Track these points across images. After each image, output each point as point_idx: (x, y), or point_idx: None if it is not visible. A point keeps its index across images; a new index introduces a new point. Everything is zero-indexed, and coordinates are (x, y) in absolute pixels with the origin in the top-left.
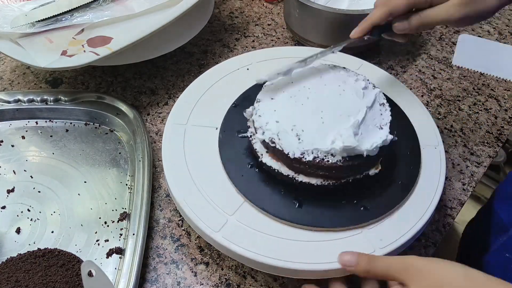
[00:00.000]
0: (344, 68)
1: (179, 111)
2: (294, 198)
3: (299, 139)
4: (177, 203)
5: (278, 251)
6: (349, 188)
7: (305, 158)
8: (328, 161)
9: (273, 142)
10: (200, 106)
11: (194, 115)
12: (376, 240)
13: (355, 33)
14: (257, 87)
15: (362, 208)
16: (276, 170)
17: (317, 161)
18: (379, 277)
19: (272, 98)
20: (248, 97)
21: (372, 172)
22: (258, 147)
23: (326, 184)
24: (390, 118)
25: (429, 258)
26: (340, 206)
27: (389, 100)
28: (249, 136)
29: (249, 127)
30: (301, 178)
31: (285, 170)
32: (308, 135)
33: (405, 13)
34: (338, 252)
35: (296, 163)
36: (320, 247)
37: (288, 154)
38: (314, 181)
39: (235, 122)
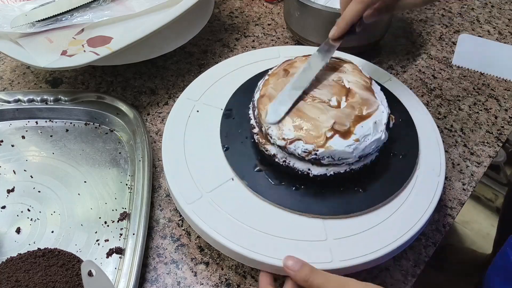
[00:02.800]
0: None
1: (179, 111)
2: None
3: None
4: (176, 202)
5: (278, 251)
6: (347, 178)
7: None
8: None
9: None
10: (201, 105)
11: (195, 115)
12: (374, 240)
13: (334, 33)
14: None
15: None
16: (275, 159)
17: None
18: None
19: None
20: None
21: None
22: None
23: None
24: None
25: (367, 283)
26: (340, 193)
27: (393, 98)
28: (254, 134)
29: (253, 127)
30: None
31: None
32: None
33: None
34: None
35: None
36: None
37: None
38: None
39: (239, 121)
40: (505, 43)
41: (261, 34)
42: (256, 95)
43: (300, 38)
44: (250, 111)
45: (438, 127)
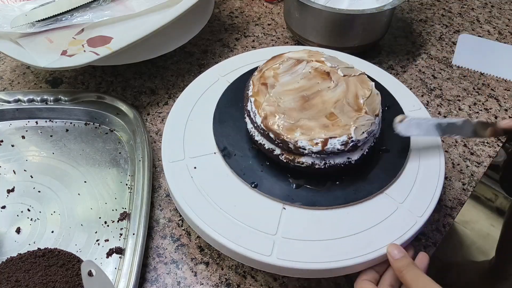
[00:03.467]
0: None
1: (179, 109)
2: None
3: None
4: (176, 202)
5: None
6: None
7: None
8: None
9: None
10: (201, 103)
11: (195, 113)
12: (373, 239)
13: (506, 123)
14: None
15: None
16: (268, 149)
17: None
18: (403, 281)
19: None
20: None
21: (356, 157)
22: (257, 135)
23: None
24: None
25: None
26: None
27: (390, 97)
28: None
29: (246, 116)
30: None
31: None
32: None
33: None
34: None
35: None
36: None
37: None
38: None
39: (233, 112)
40: (505, 43)
41: (261, 34)
42: (249, 93)
43: (300, 38)
44: (247, 119)
45: None
